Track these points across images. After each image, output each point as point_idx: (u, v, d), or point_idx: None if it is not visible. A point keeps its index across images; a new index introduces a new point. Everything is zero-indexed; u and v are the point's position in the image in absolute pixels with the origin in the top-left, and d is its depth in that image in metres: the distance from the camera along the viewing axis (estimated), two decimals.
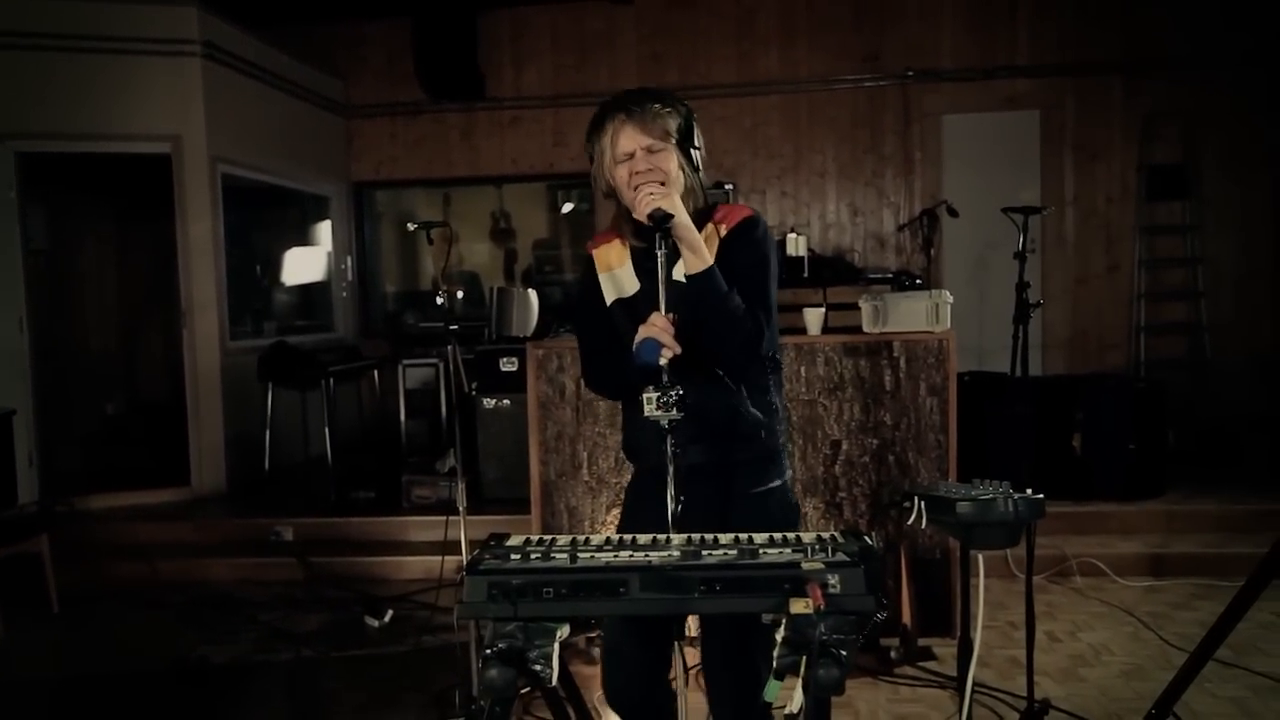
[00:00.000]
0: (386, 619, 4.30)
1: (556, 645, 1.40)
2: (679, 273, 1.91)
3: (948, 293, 3.83)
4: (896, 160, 7.43)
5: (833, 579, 1.34)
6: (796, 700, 1.32)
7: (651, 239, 1.83)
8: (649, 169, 1.92)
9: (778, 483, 2.08)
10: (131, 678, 3.84)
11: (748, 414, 2.00)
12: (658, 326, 1.79)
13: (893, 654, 3.64)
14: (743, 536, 1.54)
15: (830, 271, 6.35)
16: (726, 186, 6.76)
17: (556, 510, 3.99)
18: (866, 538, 1.48)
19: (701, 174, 2.01)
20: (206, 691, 3.71)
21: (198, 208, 6.09)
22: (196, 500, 5.98)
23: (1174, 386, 5.93)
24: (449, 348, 3.39)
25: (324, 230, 8.00)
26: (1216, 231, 7.06)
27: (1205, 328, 7.03)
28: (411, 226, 3.49)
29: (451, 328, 3.35)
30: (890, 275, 6.65)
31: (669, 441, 1.77)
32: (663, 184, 1.89)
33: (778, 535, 1.55)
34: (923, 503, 2.18)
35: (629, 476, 2.23)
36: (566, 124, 7.64)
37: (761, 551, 1.46)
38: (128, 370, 7.94)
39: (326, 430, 5.94)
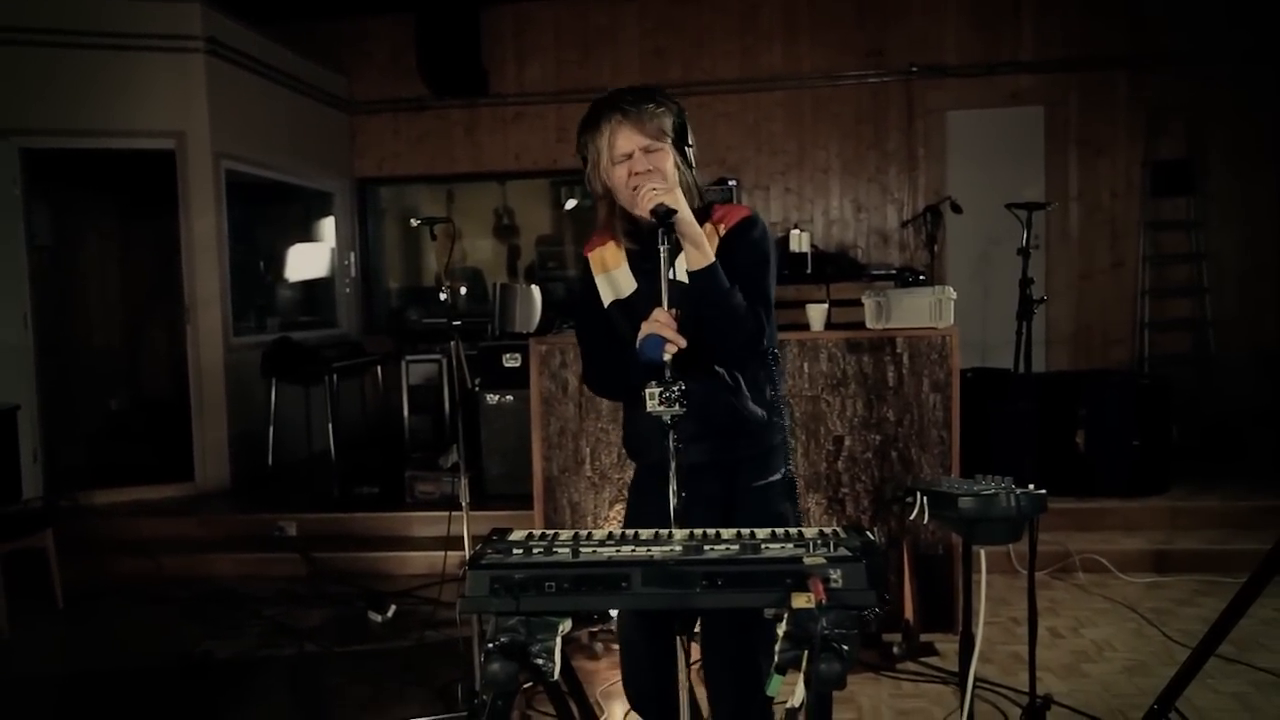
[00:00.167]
0: (389, 614, 4.30)
1: (559, 640, 1.40)
2: (680, 272, 1.91)
3: (951, 289, 3.82)
4: (900, 156, 7.42)
5: (835, 574, 1.34)
6: (798, 695, 1.32)
7: (646, 240, 1.83)
8: (648, 169, 1.91)
9: (779, 475, 2.08)
10: (136, 673, 3.85)
11: (748, 410, 2.01)
12: (661, 322, 1.79)
13: (895, 649, 3.64)
14: (745, 531, 1.55)
15: (834, 267, 6.37)
16: (730, 183, 6.74)
17: (559, 505, 3.99)
18: (869, 533, 1.48)
19: (695, 171, 2.01)
20: (210, 686, 3.72)
21: (201, 204, 6.10)
22: (200, 496, 5.99)
23: (1178, 382, 5.93)
24: (452, 344, 3.40)
25: (327, 226, 8.01)
26: (1221, 227, 7.04)
27: (1210, 323, 7.02)
28: (415, 222, 3.48)
29: (455, 324, 3.35)
30: (894, 271, 6.67)
31: (671, 437, 1.77)
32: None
33: (780, 530, 1.56)
34: (925, 498, 2.17)
35: (631, 473, 2.24)
36: (569, 120, 7.58)
37: (763, 546, 1.46)
38: (131, 366, 7.97)
39: (330, 426, 5.94)
